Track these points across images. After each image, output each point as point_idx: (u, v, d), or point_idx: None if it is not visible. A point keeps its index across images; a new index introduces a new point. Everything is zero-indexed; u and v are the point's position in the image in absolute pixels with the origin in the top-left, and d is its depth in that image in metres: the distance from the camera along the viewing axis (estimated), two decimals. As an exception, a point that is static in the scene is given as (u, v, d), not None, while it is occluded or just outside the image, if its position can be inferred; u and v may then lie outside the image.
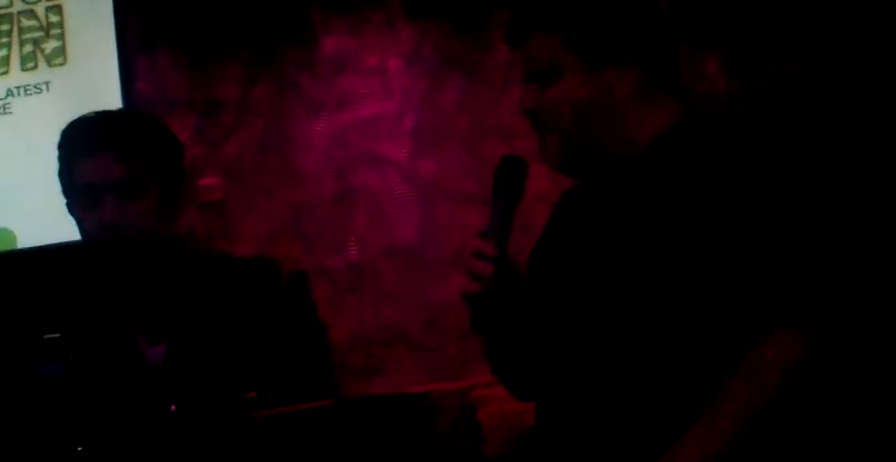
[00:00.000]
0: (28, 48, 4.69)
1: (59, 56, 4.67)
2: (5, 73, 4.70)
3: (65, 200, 2.52)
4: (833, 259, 1.95)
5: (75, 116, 2.53)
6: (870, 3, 4.66)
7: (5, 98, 4.67)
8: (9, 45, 4.69)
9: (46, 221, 3.82)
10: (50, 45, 4.66)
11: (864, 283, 1.96)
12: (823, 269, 1.95)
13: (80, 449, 2.40)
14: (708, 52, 4.92)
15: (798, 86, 4.86)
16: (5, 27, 4.70)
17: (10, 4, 4.74)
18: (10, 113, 4.69)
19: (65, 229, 2.67)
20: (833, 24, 4.82)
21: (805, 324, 1.94)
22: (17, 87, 4.68)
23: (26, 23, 4.71)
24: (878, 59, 4.67)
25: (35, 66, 4.69)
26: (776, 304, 1.94)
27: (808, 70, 4.87)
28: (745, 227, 1.96)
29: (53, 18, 4.65)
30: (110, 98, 4.37)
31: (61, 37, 4.66)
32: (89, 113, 2.56)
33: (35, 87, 4.65)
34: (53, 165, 2.50)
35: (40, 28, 4.69)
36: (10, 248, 4.53)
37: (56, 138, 2.51)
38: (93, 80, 4.56)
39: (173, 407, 2.41)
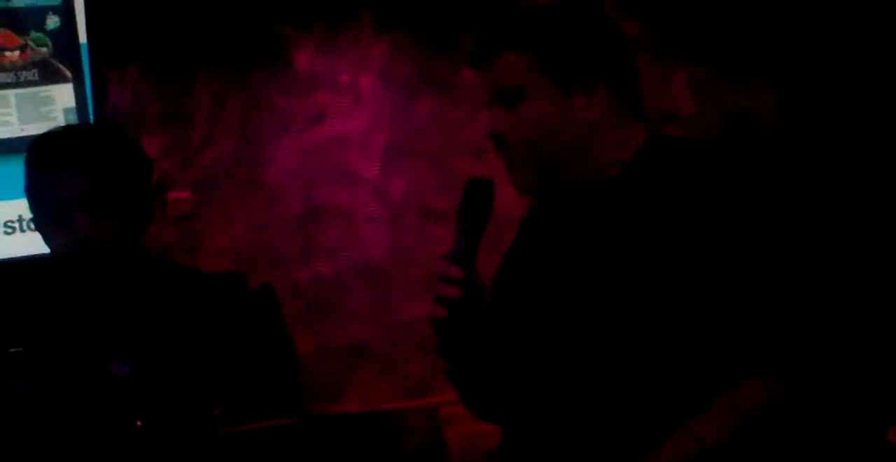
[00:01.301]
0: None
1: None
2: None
3: (31, 215, 2.52)
4: (825, 296, 1.95)
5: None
6: (845, 27, 4.69)
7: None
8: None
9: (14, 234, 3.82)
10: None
11: (855, 321, 1.95)
12: (815, 307, 1.94)
13: (43, 464, 2.39)
14: (676, 72, 4.94)
15: (771, 110, 4.89)
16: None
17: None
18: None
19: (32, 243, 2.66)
20: (809, 45, 4.86)
21: (795, 363, 1.93)
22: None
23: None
24: (854, 84, 4.70)
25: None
26: (765, 344, 1.93)
27: (782, 93, 4.90)
28: (730, 262, 1.94)
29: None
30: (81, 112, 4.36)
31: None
32: (57, 128, 2.56)
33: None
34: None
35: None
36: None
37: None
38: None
39: (139, 422, 2.40)
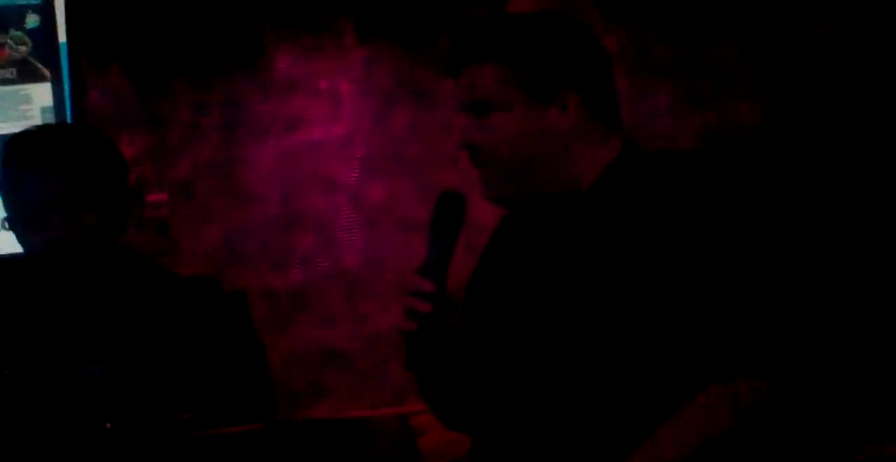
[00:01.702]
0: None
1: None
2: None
3: (4, 215, 2.50)
4: (794, 310, 1.95)
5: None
6: (829, 39, 4.70)
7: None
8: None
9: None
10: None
11: (827, 335, 1.95)
12: (787, 321, 1.94)
13: (11, 464, 2.38)
14: (656, 88, 4.95)
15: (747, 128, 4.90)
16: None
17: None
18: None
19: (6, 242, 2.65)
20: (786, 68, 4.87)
21: (768, 375, 1.92)
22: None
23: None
24: (838, 97, 4.71)
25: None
26: (738, 354, 1.92)
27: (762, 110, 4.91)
28: (701, 274, 1.94)
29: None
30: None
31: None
32: (32, 127, 2.55)
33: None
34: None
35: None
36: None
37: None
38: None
39: (108, 424, 2.39)
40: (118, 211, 2.50)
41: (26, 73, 3.92)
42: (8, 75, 3.91)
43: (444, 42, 4.71)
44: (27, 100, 3.91)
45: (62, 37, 3.94)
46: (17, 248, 2.51)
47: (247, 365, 2.55)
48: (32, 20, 3.94)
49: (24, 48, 3.92)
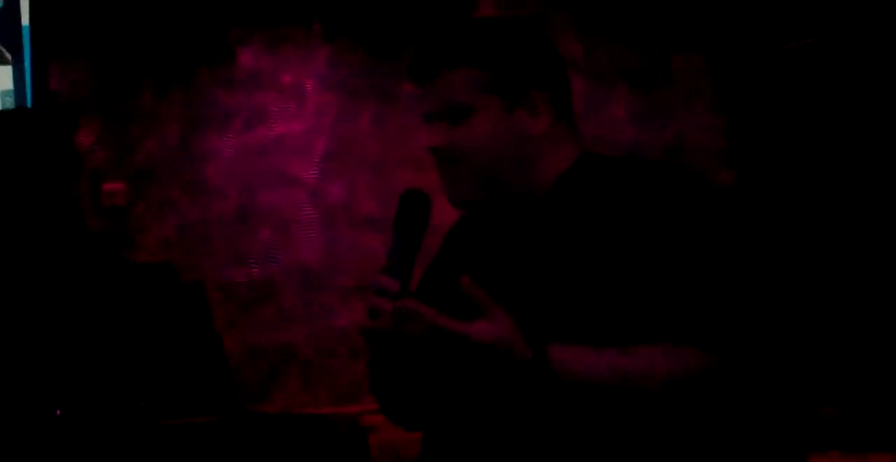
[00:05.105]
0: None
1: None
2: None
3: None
4: (744, 293, 1.96)
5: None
6: (794, 51, 4.74)
7: None
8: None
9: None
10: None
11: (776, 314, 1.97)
12: (736, 300, 1.95)
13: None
14: (617, 97, 4.97)
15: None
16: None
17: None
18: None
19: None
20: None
21: (718, 349, 1.93)
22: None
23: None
24: (802, 111, 4.74)
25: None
26: (689, 330, 1.93)
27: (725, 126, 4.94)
28: (657, 268, 1.95)
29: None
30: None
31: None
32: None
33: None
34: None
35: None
36: None
37: None
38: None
39: (58, 411, 2.37)
40: (69, 198, 2.48)
41: (-13, 55, 3.90)
42: (-32, 57, 3.88)
43: (407, 44, 4.72)
44: (-13, 82, 3.88)
45: (25, 20, 3.91)
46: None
47: (204, 355, 2.54)
48: (-4, 2, 3.91)
49: (-14, 29, 3.90)
